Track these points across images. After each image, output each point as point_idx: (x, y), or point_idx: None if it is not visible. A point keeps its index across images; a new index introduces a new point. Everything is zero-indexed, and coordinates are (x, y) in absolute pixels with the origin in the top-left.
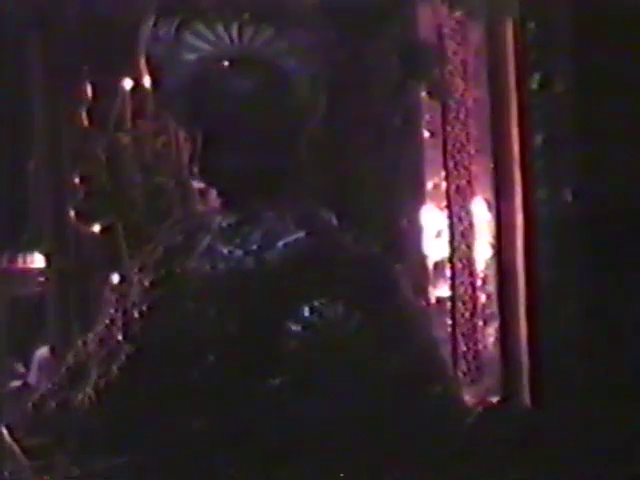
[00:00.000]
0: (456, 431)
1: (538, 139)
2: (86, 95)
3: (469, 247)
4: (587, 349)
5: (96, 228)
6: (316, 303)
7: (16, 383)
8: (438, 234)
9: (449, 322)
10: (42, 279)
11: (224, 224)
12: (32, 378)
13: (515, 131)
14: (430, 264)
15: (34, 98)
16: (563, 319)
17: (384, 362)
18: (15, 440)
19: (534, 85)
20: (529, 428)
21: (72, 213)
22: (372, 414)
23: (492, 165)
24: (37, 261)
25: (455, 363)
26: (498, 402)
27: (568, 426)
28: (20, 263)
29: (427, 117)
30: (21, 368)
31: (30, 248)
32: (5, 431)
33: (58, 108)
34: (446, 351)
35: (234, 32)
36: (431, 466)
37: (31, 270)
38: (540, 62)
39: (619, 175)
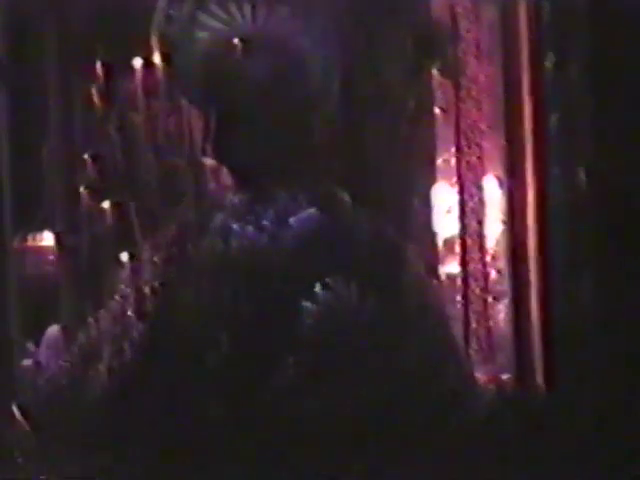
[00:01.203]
0: (470, 410)
1: (552, 118)
2: (99, 75)
3: (480, 224)
4: (599, 326)
5: (106, 205)
6: (329, 280)
7: (28, 362)
8: (449, 210)
9: (460, 299)
10: (54, 257)
11: (236, 201)
12: (42, 357)
13: (528, 108)
14: (440, 241)
15: (48, 78)
16: (574, 295)
17: (397, 339)
18: (27, 419)
19: (548, 64)
20: (542, 405)
21: (84, 191)
22: (386, 391)
23: (504, 142)
24: (49, 239)
25: (467, 341)
26: (510, 380)
27: (581, 404)
28: (32, 242)
29: (439, 94)
30: (32, 347)
31: (42, 227)
32: (17, 410)
33: (72, 88)
34: (457, 328)
35: (247, 11)
36: (443, 444)
37: (43, 249)
38: (554, 41)
39: (632, 155)
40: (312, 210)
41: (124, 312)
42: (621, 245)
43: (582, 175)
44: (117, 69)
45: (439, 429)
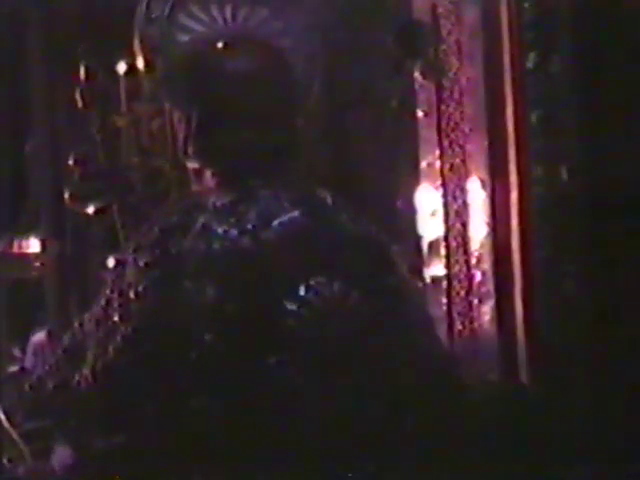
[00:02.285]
0: (455, 411)
1: (533, 118)
2: (81, 77)
3: (464, 226)
4: (583, 327)
5: (91, 210)
6: (312, 282)
7: (13, 368)
8: (433, 213)
9: (445, 301)
10: (39, 263)
11: (218, 204)
12: (28, 362)
13: (510, 110)
14: (425, 243)
15: (32, 81)
16: (559, 297)
17: (380, 341)
18: (13, 425)
19: (529, 64)
20: (527, 406)
21: (68, 197)
22: (369, 392)
23: (487, 144)
24: (34, 245)
25: (451, 342)
26: (495, 381)
27: (566, 405)
28: (17, 248)
29: (421, 96)
30: (18, 352)
31: (27, 232)
32: (3, 416)
33: (55, 91)
34: (442, 330)
35: (228, 13)
36: (429, 444)
37: (28, 254)
38: (535, 41)
39: (615, 153)
40: (295, 212)
41: (108, 316)
42: (605, 244)
43: (565, 175)
44: (99, 71)
45: (424, 430)
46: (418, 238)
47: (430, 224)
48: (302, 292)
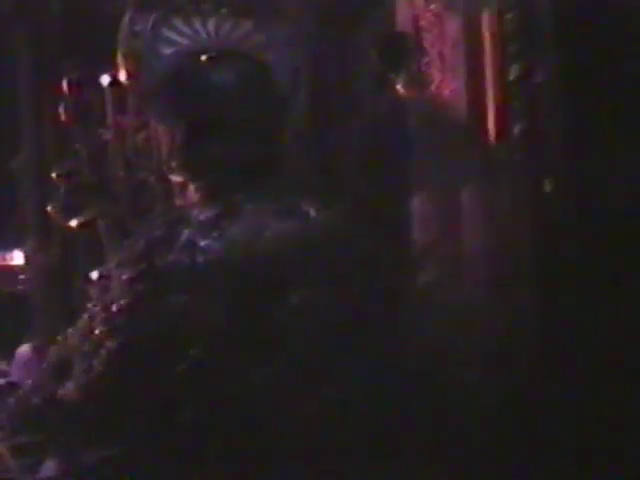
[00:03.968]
0: (442, 412)
1: (516, 130)
2: (65, 91)
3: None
4: (570, 344)
5: (75, 223)
6: (297, 296)
7: (0, 381)
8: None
9: None
10: (24, 276)
11: (203, 217)
12: (15, 376)
13: (492, 122)
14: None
15: (18, 95)
16: (544, 308)
17: (369, 348)
18: (1, 439)
19: (512, 77)
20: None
21: (53, 210)
22: (359, 399)
23: None
24: (19, 258)
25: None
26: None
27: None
28: (1, 261)
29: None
30: (4, 366)
31: (12, 246)
32: None
33: (42, 105)
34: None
35: (211, 26)
36: (416, 447)
37: (13, 267)
38: (518, 54)
39: (599, 167)
40: (280, 225)
41: (92, 330)
42: (591, 258)
43: (548, 187)
44: (84, 85)
45: (412, 433)
46: (408, 247)
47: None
48: (289, 304)
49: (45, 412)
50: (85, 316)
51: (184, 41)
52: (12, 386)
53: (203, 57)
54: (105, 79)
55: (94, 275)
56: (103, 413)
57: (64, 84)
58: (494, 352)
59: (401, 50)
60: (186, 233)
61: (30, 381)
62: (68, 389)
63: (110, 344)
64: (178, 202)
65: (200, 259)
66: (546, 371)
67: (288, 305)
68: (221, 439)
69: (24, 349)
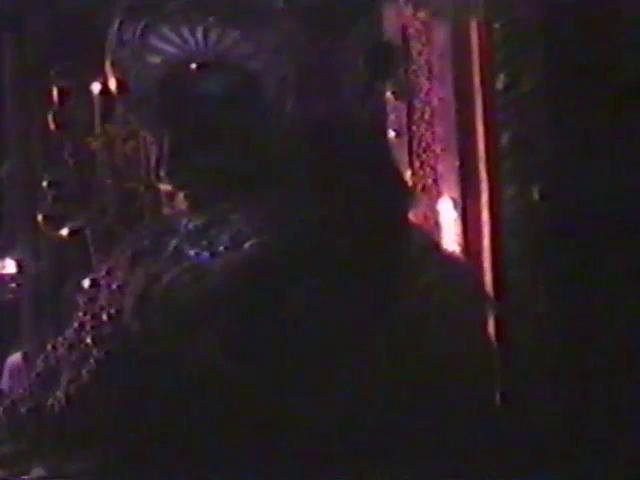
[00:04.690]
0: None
1: (504, 138)
2: (54, 100)
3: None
4: (556, 347)
5: (64, 232)
6: (286, 304)
7: None
8: None
9: None
10: (14, 285)
11: (191, 226)
12: (4, 385)
13: (481, 130)
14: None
15: (6, 104)
16: (530, 317)
17: (365, 353)
18: None
19: (499, 85)
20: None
21: (42, 219)
22: (357, 401)
23: (458, 164)
24: (9, 267)
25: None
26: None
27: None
28: None
29: (392, 117)
30: None
31: (2, 254)
32: None
33: (29, 113)
34: None
35: (199, 35)
36: (404, 448)
37: (3, 276)
38: (505, 62)
39: (586, 174)
40: (267, 234)
41: (81, 339)
42: (577, 264)
43: (536, 195)
44: (72, 94)
45: (405, 436)
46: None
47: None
48: (275, 315)
49: (30, 422)
50: (74, 325)
51: (172, 49)
52: (1, 394)
53: (193, 65)
54: (96, 87)
55: (85, 283)
56: (88, 423)
57: (53, 92)
58: None
59: (389, 59)
60: (174, 242)
61: (19, 390)
62: (55, 399)
63: (98, 353)
64: (166, 211)
65: (188, 269)
66: None
67: (274, 317)
68: (205, 449)
69: (15, 358)
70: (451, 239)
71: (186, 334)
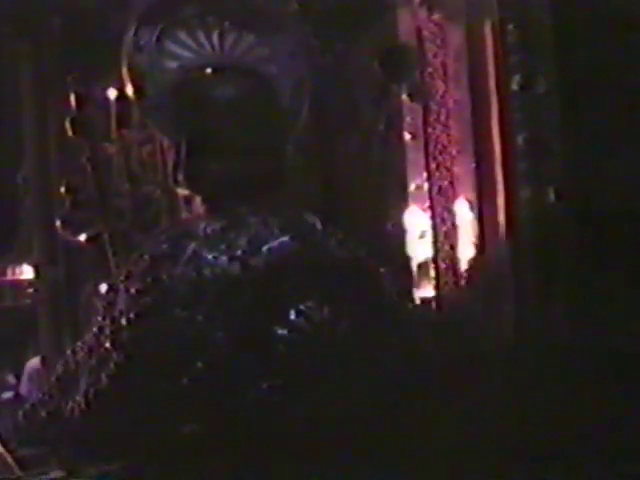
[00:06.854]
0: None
1: (520, 140)
2: (71, 106)
3: (452, 248)
4: (573, 348)
5: (83, 237)
6: (302, 307)
7: (8, 394)
8: (422, 235)
9: None
10: (32, 290)
11: (209, 230)
12: (23, 389)
13: (496, 132)
14: (414, 265)
15: (23, 110)
16: (547, 316)
17: (370, 363)
18: (8, 451)
19: (515, 86)
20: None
21: (60, 225)
22: (358, 414)
23: (474, 166)
24: (27, 272)
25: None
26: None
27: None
28: (10, 275)
29: (408, 119)
30: (12, 379)
31: (20, 260)
32: None
33: (47, 119)
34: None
35: (215, 40)
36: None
37: (21, 282)
38: (520, 64)
39: (601, 175)
40: (284, 237)
41: (100, 344)
42: (593, 265)
43: (552, 196)
44: (89, 100)
45: (410, 451)
46: (408, 260)
47: (419, 246)
48: (292, 317)
49: (50, 426)
50: (93, 329)
51: (188, 54)
52: (20, 398)
53: (208, 70)
54: (112, 93)
55: (103, 288)
56: (107, 426)
57: (70, 98)
58: None
59: (404, 61)
60: (192, 246)
61: (38, 395)
62: (74, 403)
63: (118, 357)
64: (184, 215)
65: (206, 272)
66: None
67: (290, 320)
68: (222, 453)
69: (34, 361)
70: (468, 241)
71: (205, 336)
